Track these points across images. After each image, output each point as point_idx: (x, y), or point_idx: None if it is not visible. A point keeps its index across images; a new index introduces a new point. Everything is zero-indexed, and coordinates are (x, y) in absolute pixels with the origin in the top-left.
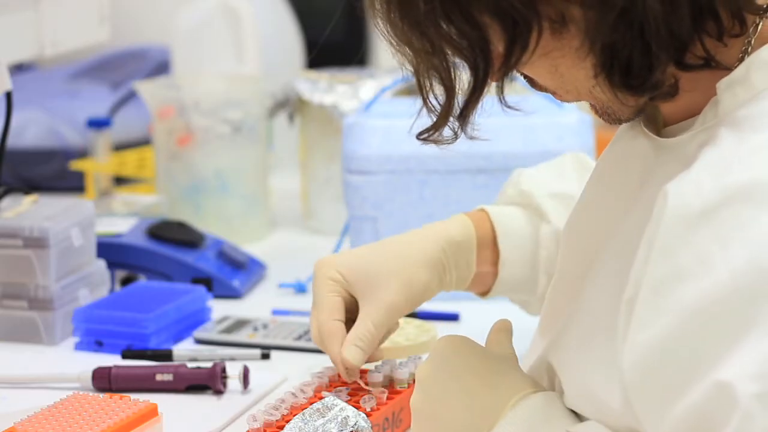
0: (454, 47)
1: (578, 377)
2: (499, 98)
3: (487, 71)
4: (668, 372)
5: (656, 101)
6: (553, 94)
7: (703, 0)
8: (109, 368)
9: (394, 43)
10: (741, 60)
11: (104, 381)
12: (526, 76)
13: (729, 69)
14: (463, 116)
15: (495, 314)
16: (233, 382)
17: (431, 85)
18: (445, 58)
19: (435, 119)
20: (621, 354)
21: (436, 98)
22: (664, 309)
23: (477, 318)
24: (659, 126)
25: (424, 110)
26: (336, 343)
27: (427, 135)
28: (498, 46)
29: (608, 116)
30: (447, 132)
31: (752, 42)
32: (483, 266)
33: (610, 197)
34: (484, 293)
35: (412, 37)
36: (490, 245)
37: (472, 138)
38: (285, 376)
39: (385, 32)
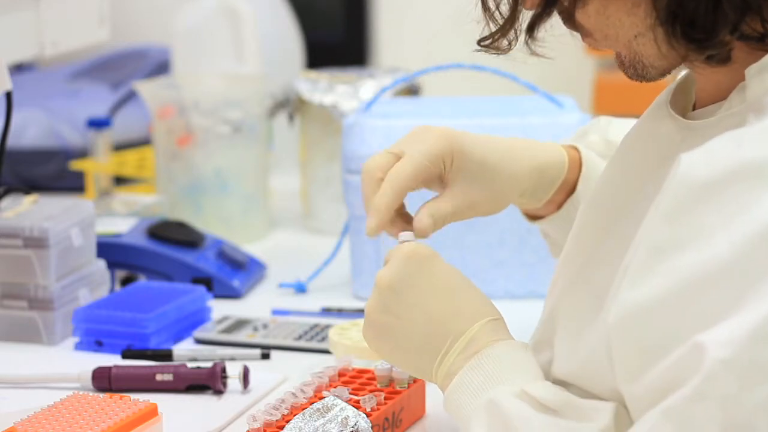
0: None
1: (571, 347)
2: (531, 29)
3: None
4: (653, 333)
5: (711, 63)
6: (586, 36)
7: None
8: (109, 368)
9: None
10: None
11: (104, 381)
12: (566, 10)
13: None
14: (531, 27)
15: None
16: (233, 382)
17: None
18: None
19: (498, 26)
20: (609, 311)
21: (497, 6)
22: (659, 272)
23: None
24: (686, 110)
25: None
26: (373, 183)
27: (489, 42)
28: None
29: (634, 70)
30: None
31: None
32: (557, 195)
33: (630, 175)
34: (537, 218)
35: None
36: (570, 185)
37: (534, 54)
38: (285, 376)
39: None
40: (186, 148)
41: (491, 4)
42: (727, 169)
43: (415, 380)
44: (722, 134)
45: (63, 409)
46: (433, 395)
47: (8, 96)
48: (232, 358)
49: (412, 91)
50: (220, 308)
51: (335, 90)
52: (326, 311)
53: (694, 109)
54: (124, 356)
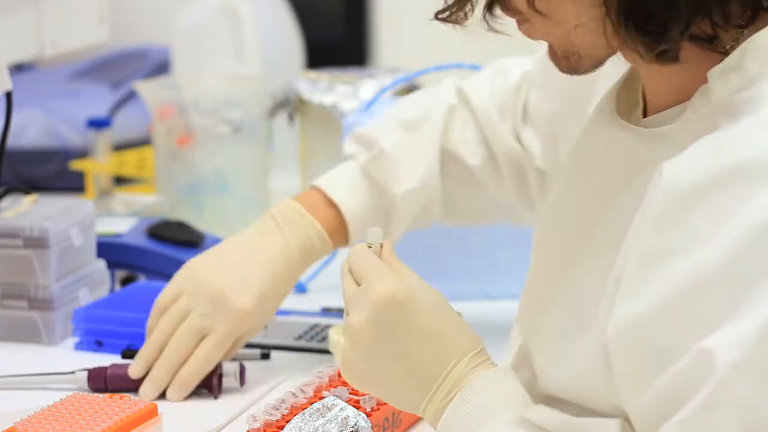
0: None
1: (560, 362)
2: (489, 6)
3: None
4: (654, 343)
5: (660, 61)
6: (523, 22)
7: None
8: (105, 369)
9: None
10: (731, 48)
11: (100, 382)
12: None
13: (723, 54)
14: (489, 4)
15: (495, 314)
16: (230, 381)
17: None
18: None
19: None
20: (606, 326)
21: None
22: (653, 282)
23: (477, 318)
24: (632, 114)
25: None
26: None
27: (446, 14)
28: None
29: (567, 63)
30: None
31: (744, 32)
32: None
33: (593, 187)
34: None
35: None
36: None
37: (492, 30)
38: (285, 376)
39: None
40: (186, 148)
41: None
42: (712, 173)
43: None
44: (701, 140)
45: (63, 409)
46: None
47: (8, 96)
48: (232, 358)
49: (412, 91)
50: None
51: (335, 90)
52: (326, 311)
53: (645, 113)
54: (124, 356)
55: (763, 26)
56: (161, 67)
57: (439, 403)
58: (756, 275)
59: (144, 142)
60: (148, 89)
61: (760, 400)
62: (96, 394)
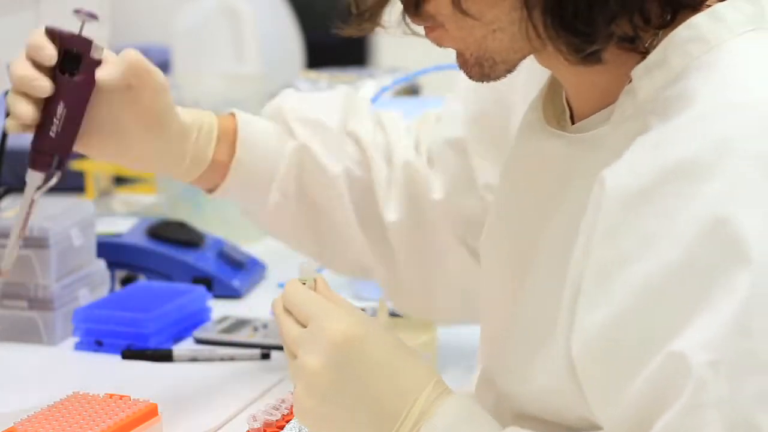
0: None
1: (524, 379)
2: (417, 6)
3: None
4: (620, 352)
5: (585, 62)
6: (435, 29)
7: None
8: None
9: None
10: (651, 47)
11: None
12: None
13: (643, 53)
14: (416, 10)
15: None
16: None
17: None
18: None
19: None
20: (568, 341)
21: None
22: (611, 290)
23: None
24: (559, 121)
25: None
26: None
27: (360, 23)
28: None
29: (480, 69)
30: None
31: (661, 32)
32: (220, 155)
33: (530, 201)
34: (209, 191)
35: None
36: (228, 146)
37: (413, 33)
38: (285, 376)
39: None
40: None
41: None
42: (655, 175)
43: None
44: (636, 142)
45: (63, 409)
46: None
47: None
48: (232, 358)
49: (412, 91)
50: (220, 308)
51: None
52: None
53: (572, 117)
54: (124, 356)
55: (681, 20)
56: (161, 67)
57: None
58: (714, 270)
59: None
60: None
61: (738, 395)
62: (96, 394)
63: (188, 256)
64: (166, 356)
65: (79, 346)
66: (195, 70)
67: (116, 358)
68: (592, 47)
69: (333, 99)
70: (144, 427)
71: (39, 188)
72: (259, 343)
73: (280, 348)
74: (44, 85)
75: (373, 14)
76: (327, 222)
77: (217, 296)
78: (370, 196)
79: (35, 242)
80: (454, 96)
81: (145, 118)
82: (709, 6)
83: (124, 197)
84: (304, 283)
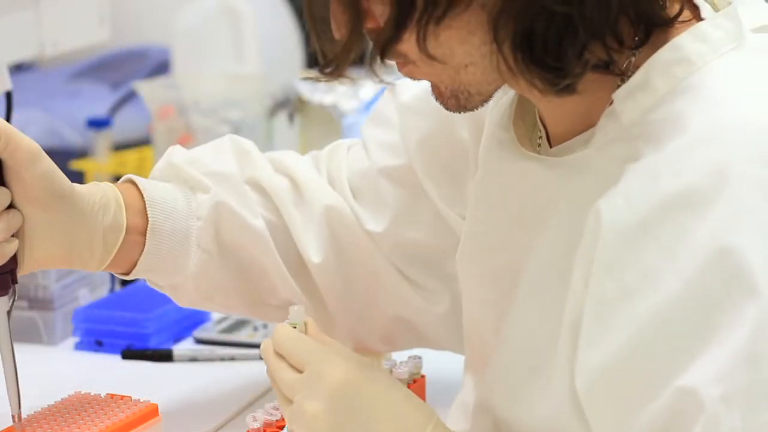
0: None
1: (523, 407)
2: (382, 54)
3: (410, 11)
4: (626, 387)
5: (561, 93)
6: (406, 64)
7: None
8: None
9: None
10: (627, 69)
11: None
12: (388, 39)
13: (619, 75)
14: (383, 53)
15: None
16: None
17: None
18: None
19: (336, 55)
20: (571, 375)
21: (326, 34)
22: (615, 326)
23: None
24: (540, 146)
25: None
26: None
27: (332, 69)
28: None
29: (456, 101)
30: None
31: (638, 52)
32: (130, 235)
33: (509, 223)
34: (127, 272)
35: None
36: (137, 213)
37: (381, 81)
38: None
39: None
40: (186, 148)
41: (320, 29)
42: (652, 206)
43: (414, 380)
44: (629, 172)
45: (63, 409)
46: (432, 395)
47: (8, 96)
48: (232, 358)
49: None
50: None
51: (335, 90)
52: None
53: (549, 140)
54: (124, 356)
55: (660, 43)
56: (161, 67)
57: None
58: (720, 302)
59: (144, 142)
60: (148, 89)
61: (751, 426)
62: (96, 394)
63: None
64: (166, 356)
65: (79, 346)
66: (195, 70)
67: (116, 358)
68: (566, 81)
69: (222, 148)
70: (144, 427)
71: (9, 312)
72: (259, 343)
73: None
74: None
75: (338, 66)
76: (255, 271)
77: None
78: (290, 239)
79: None
80: (376, 125)
81: (34, 194)
82: (684, 22)
83: None
84: (295, 327)
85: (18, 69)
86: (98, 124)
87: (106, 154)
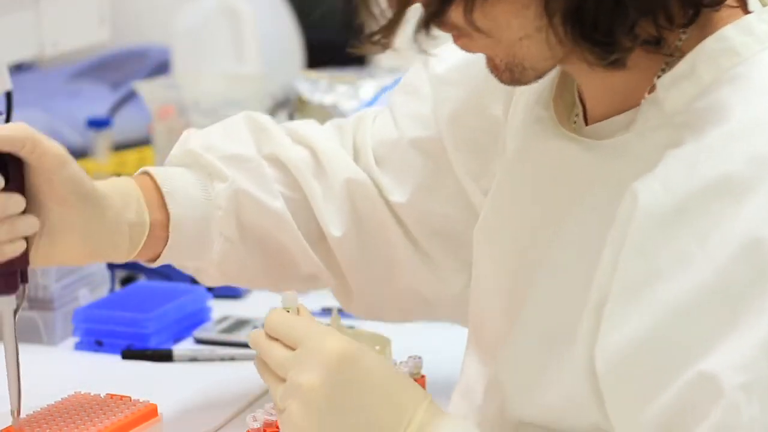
0: None
1: (535, 387)
2: (426, 26)
3: None
4: (648, 368)
5: (610, 68)
6: (461, 36)
7: None
8: None
9: None
10: (676, 50)
11: None
12: (441, 9)
13: (668, 56)
14: (427, 27)
15: None
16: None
17: None
18: None
19: (382, 25)
20: (591, 354)
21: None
22: (641, 307)
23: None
24: (577, 125)
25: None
26: None
27: (378, 38)
28: None
29: (511, 74)
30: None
31: (686, 33)
32: (153, 230)
33: (538, 201)
34: (152, 261)
35: None
36: (157, 208)
37: (424, 52)
38: None
39: None
40: None
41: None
42: (690, 192)
43: (415, 380)
44: (669, 157)
45: (63, 409)
46: (432, 395)
47: (8, 96)
48: (232, 358)
49: None
50: (220, 308)
51: (335, 90)
52: (326, 311)
53: (585, 118)
54: (124, 356)
55: (707, 27)
56: (161, 67)
57: None
58: (747, 291)
59: (144, 142)
60: (148, 89)
61: None
62: (96, 394)
63: None
64: (166, 356)
65: (79, 346)
66: (195, 70)
67: (116, 358)
68: (615, 55)
69: (238, 126)
70: (144, 427)
71: (16, 311)
72: None
73: None
74: None
75: (385, 35)
76: (278, 251)
77: (217, 296)
78: (310, 213)
79: None
80: (406, 95)
81: (61, 196)
82: (731, 8)
83: None
84: (288, 311)
85: (18, 69)
86: (98, 124)
87: (106, 154)
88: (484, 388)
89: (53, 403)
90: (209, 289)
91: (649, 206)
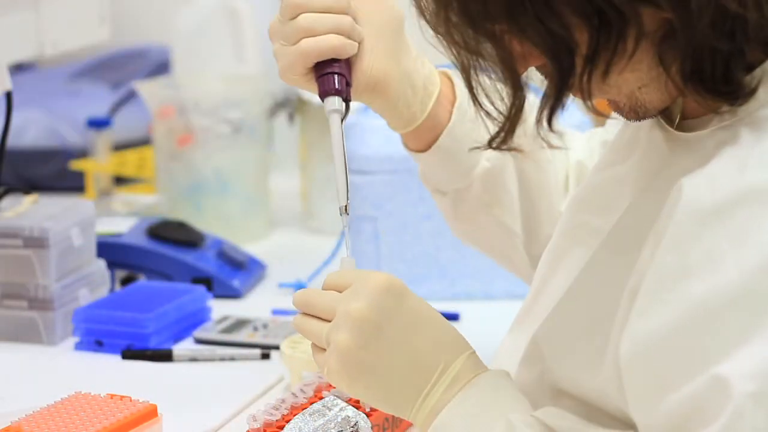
0: (539, 43)
1: (573, 360)
2: (549, 120)
3: (570, 72)
4: (666, 362)
5: (736, 104)
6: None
7: None
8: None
9: (452, 48)
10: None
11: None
12: (558, 105)
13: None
14: (549, 121)
15: (495, 314)
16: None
17: (481, 87)
18: (511, 60)
19: (502, 125)
20: (619, 340)
21: (492, 103)
22: (668, 301)
23: (477, 318)
24: (674, 118)
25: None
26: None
27: (499, 141)
28: (582, 48)
29: (635, 114)
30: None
31: None
32: (441, 97)
33: (617, 184)
34: (427, 146)
35: (475, 37)
36: (447, 102)
37: (551, 146)
38: (285, 375)
39: (443, 34)
40: (186, 148)
41: (484, 101)
42: (732, 194)
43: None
44: (720, 156)
45: (63, 409)
46: None
47: (8, 96)
48: (232, 358)
49: None
50: (220, 308)
51: None
52: None
53: (683, 117)
54: (124, 356)
55: None
56: (161, 67)
57: (438, 397)
58: None
59: (144, 142)
60: (148, 89)
61: None
62: (96, 394)
63: (188, 256)
64: (166, 356)
65: (79, 346)
66: (195, 70)
67: (116, 358)
68: (743, 100)
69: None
70: (144, 427)
71: (343, 118)
72: (259, 343)
73: (279, 348)
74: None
75: (506, 135)
76: (537, 193)
77: (217, 296)
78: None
79: (35, 242)
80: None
81: (384, 40)
82: None
83: (124, 197)
84: None
85: (18, 69)
86: (98, 124)
87: (106, 154)
88: (520, 359)
89: (53, 403)
90: (209, 289)
91: (692, 202)
